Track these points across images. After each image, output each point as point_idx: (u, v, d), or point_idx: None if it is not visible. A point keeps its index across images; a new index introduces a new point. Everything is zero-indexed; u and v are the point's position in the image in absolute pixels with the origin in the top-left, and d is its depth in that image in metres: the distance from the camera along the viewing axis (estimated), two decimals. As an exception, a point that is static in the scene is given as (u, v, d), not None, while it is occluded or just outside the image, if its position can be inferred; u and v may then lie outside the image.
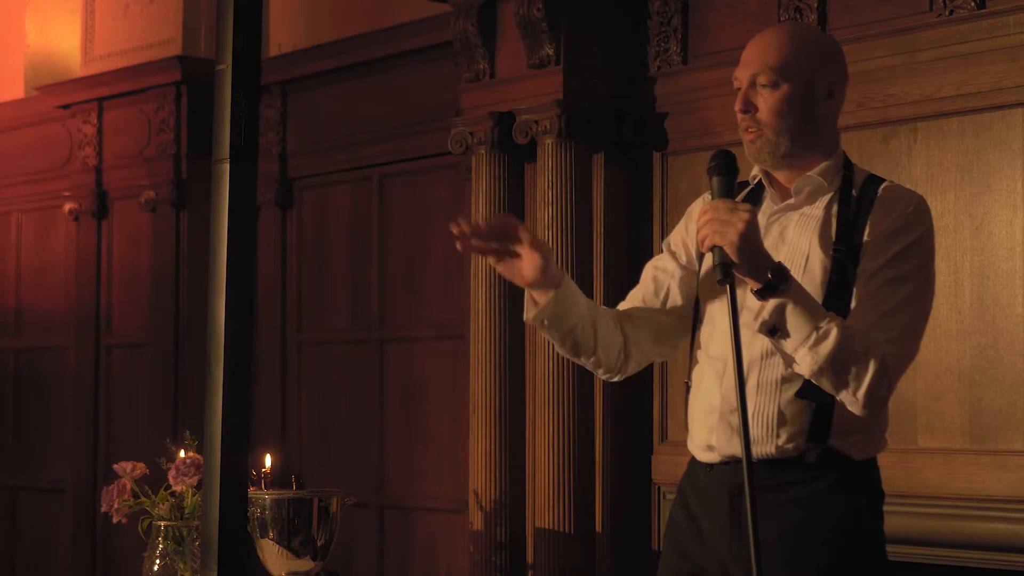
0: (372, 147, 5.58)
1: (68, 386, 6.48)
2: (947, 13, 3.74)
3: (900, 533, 3.75)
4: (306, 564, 3.45)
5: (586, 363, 2.98)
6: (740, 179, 2.93)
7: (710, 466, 2.87)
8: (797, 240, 2.85)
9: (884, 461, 3.81)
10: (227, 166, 2.67)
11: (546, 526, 4.31)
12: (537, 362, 4.38)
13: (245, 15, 2.68)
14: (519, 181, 4.54)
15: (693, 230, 2.91)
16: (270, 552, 3.44)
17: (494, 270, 4.43)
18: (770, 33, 2.91)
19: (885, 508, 3.55)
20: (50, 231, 6.69)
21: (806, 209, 2.87)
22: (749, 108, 2.85)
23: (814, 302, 2.72)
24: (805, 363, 2.70)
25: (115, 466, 3.70)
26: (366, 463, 5.56)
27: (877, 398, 2.75)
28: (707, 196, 2.92)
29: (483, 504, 4.45)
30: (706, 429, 2.87)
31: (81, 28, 6.46)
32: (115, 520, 3.67)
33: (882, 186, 2.87)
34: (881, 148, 3.88)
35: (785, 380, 2.79)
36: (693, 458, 2.95)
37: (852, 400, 2.73)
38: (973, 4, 3.70)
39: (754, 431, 2.76)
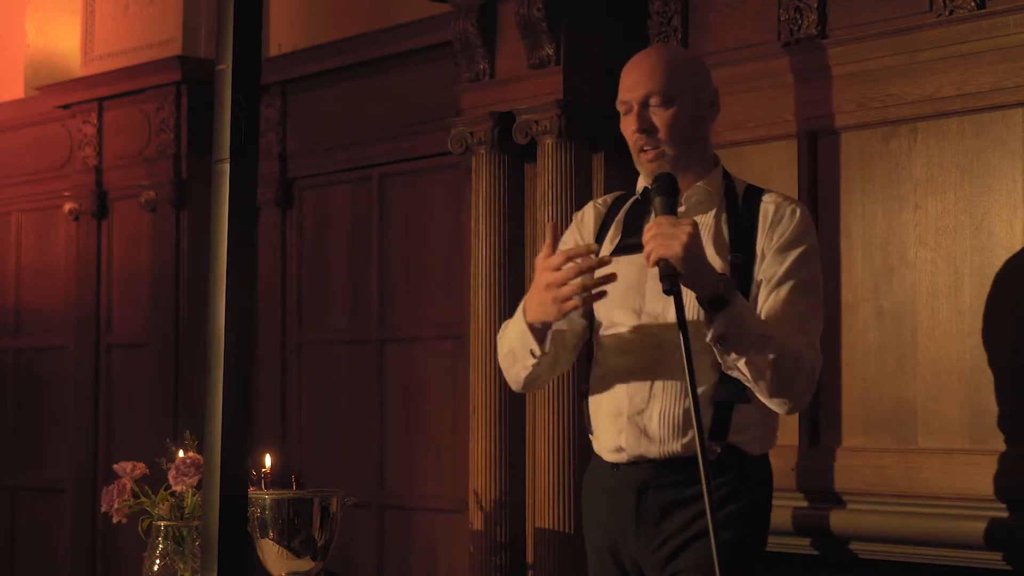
0: (372, 147, 5.58)
1: (68, 386, 6.48)
2: (947, 13, 3.73)
3: (900, 533, 3.76)
4: (306, 564, 3.45)
5: (525, 382, 3.17)
6: (623, 193, 3.21)
7: (616, 466, 3.09)
8: None
9: (884, 461, 3.83)
10: (227, 166, 2.68)
11: (546, 526, 4.31)
12: (537, 362, 4.38)
13: (245, 15, 2.69)
14: (519, 181, 4.54)
15: (587, 236, 3.13)
16: (270, 552, 3.44)
17: (494, 270, 4.47)
18: (650, 56, 3.10)
19: (887, 508, 3.56)
20: (50, 231, 6.69)
21: (698, 218, 3.03)
22: (648, 127, 3.03)
23: (755, 312, 2.93)
24: (747, 370, 2.88)
25: (115, 466, 3.69)
26: (366, 463, 5.57)
27: (805, 399, 2.99)
28: (596, 203, 3.23)
29: (483, 504, 4.45)
30: (614, 432, 3.08)
31: (81, 28, 6.45)
32: (115, 520, 3.67)
33: (764, 197, 3.08)
34: (881, 148, 3.88)
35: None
36: (597, 458, 3.17)
37: (782, 403, 2.94)
38: (973, 4, 3.69)
39: (660, 431, 2.99)
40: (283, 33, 5.89)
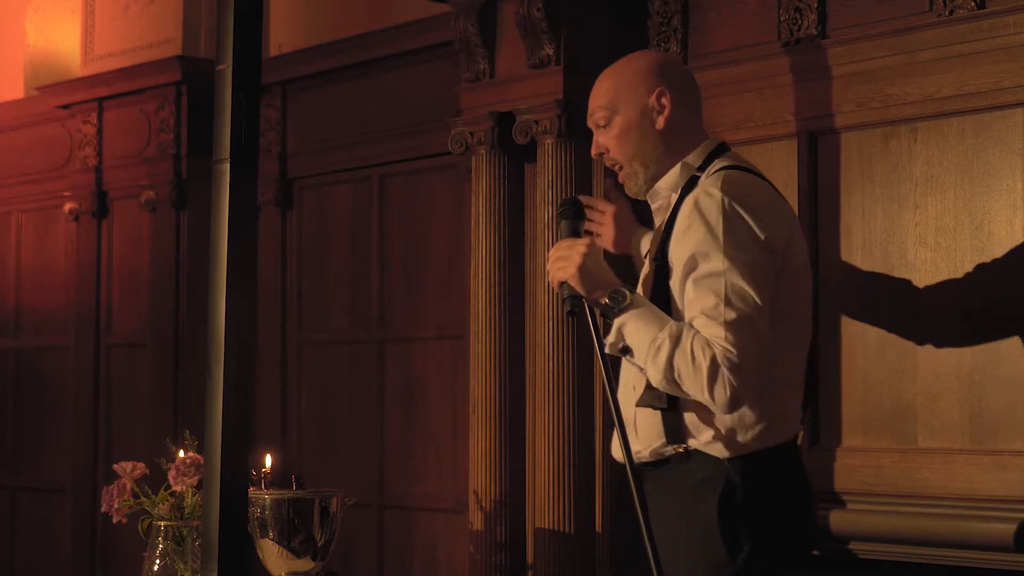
0: (372, 147, 5.58)
1: (68, 386, 6.48)
2: (947, 13, 3.73)
3: (900, 533, 3.76)
4: (306, 564, 3.45)
5: None
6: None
7: None
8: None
9: (884, 461, 3.83)
10: (227, 166, 2.68)
11: (546, 526, 4.31)
12: (537, 362, 4.38)
13: (245, 15, 2.69)
14: (519, 181, 4.54)
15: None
16: (270, 552, 3.44)
17: (494, 270, 4.46)
18: (598, 78, 3.16)
19: (887, 508, 3.53)
20: (50, 231, 6.69)
21: (660, 221, 3.07)
22: (601, 149, 3.12)
23: (655, 317, 2.88)
24: (651, 376, 2.87)
25: (115, 466, 3.70)
26: (366, 463, 5.57)
27: (725, 397, 2.83)
28: None
29: (483, 504, 4.45)
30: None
31: (81, 28, 6.45)
32: (115, 520, 3.67)
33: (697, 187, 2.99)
34: (881, 148, 3.88)
35: (636, 389, 2.97)
36: None
37: (708, 401, 2.85)
38: (973, 4, 3.69)
39: (619, 438, 2.93)
40: (283, 33, 5.89)
